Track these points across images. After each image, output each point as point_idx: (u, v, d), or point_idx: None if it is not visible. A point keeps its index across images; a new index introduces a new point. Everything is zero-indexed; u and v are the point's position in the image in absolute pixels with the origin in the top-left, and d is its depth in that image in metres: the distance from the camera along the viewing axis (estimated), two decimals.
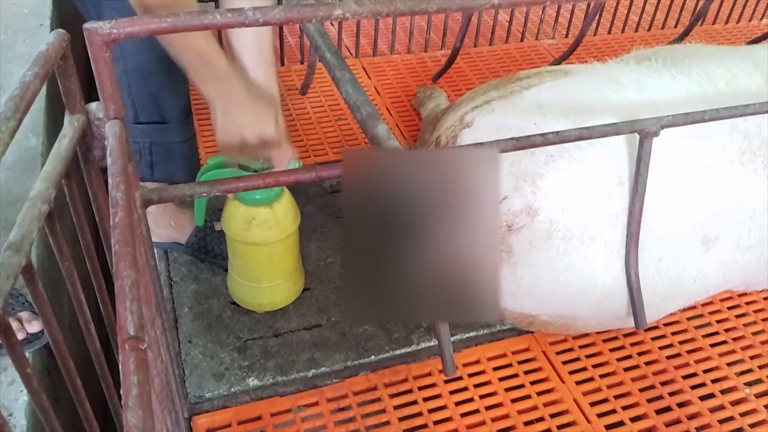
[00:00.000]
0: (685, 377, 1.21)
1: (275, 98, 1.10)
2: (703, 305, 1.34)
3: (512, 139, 0.90)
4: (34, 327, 1.03)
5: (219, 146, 1.04)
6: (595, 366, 1.21)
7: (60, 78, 0.64)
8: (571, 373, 1.20)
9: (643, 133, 1.02)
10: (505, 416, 1.13)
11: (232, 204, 1.17)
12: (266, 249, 1.18)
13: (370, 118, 0.93)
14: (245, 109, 1.00)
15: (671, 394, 1.18)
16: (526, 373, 1.20)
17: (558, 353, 1.23)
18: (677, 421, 1.14)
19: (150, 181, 1.24)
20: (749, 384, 1.20)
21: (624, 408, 1.15)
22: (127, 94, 1.15)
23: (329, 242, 1.42)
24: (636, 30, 2.32)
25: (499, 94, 1.27)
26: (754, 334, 1.29)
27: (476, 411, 1.12)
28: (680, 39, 2.15)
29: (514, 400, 1.15)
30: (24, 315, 1.04)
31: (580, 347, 1.25)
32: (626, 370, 1.21)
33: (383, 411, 1.12)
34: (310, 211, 1.48)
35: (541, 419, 1.12)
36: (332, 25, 2.11)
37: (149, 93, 1.17)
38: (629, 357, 1.23)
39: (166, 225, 1.34)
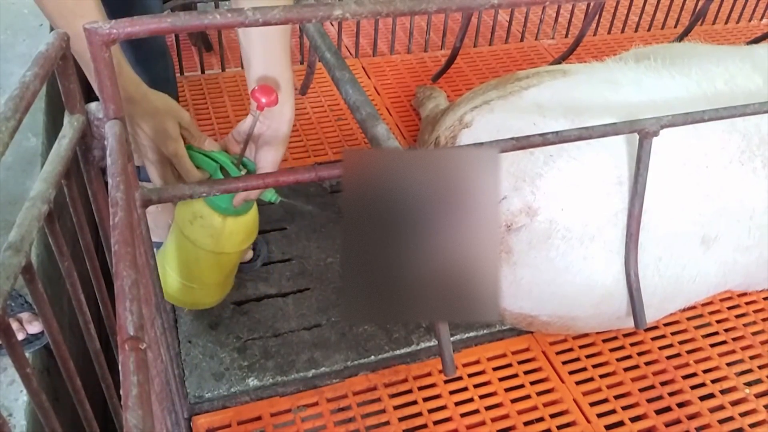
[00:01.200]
0: (685, 377, 1.20)
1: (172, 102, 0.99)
2: (703, 305, 1.34)
3: (512, 139, 0.90)
4: (34, 328, 1.03)
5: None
6: (595, 366, 1.21)
7: (60, 78, 0.64)
8: (571, 373, 1.20)
9: (642, 133, 1.02)
10: (505, 416, 1.13)
11: None
12: (194, 250, 1.10)
13: (370, 118, 0.93)
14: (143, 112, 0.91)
15: (671, 394, 1.18)
16: (526, 373, 1.20)
17: (558, 353, 1.23)
18: (677, 421, 1.14)
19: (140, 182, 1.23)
20: (749, 384, 1.20)
21: (624, 408, 1.15)
22: None
23: (329, 242, 1.42)
24: (636, 30, 2.32)
25: (498, 94, 1.27)
26: (754, 334, 1.29)
27: (476, 411, 1.13)
28: (680, 39, 2.16)
29: (514, 400, 1.15)
30: (24, 316, 1.04)
31: (580, 347, 1.25)
32: (626, 370, 1.21)
33: (383, 411, 1.12)
34: (310, 211, 1.48)
35: (541, 419, 1.12)
36: (332, 25, 2.11)
37: None
38: (629, 357, 1.23)
39: (166, 225, 1.34)
